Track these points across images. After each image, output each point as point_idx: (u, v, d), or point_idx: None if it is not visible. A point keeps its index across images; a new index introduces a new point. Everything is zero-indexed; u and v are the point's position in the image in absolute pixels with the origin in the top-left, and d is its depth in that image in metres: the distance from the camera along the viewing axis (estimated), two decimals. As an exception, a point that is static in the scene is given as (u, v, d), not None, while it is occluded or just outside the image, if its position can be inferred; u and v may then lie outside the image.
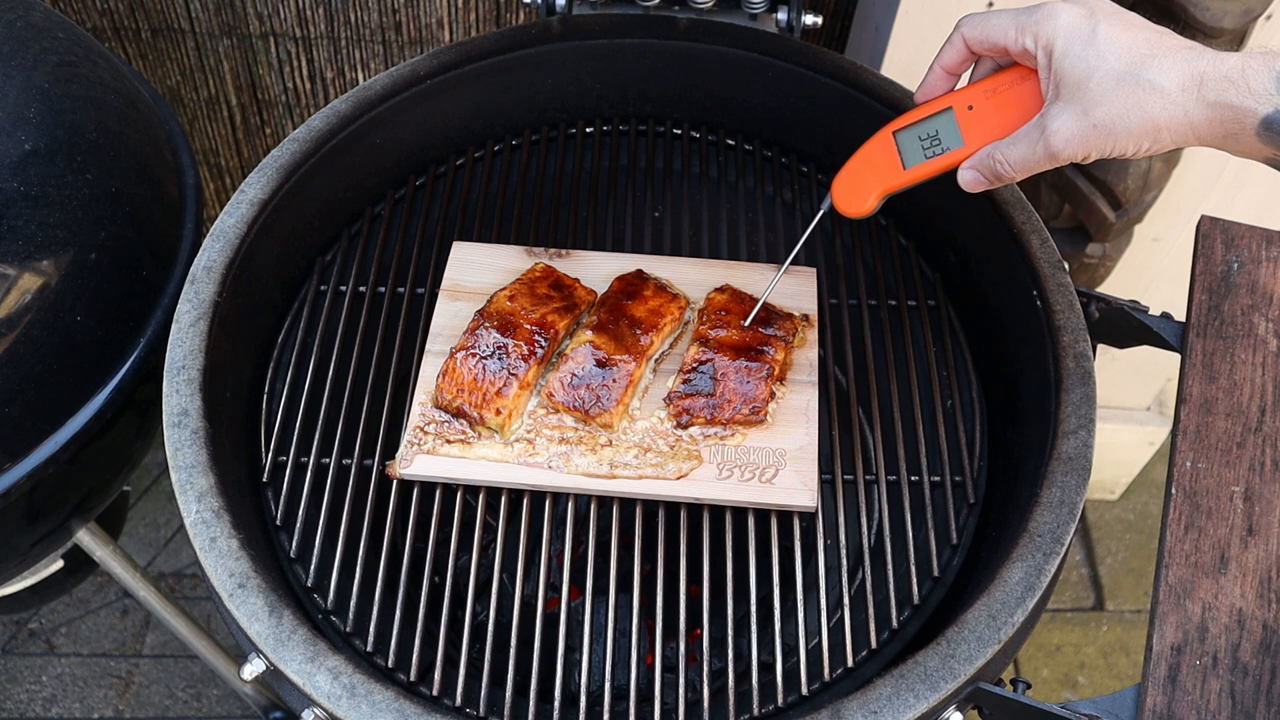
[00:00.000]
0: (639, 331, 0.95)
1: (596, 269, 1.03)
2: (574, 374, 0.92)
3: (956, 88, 0.86)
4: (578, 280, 0.99)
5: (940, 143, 0.86)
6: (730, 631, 0.86)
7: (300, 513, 0.92)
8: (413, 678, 0.84)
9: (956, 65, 0.85)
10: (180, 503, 0.83)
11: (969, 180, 0.84)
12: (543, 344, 0.93)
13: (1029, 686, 0.80)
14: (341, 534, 0.90)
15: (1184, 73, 0.72)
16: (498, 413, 0.91)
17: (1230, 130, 0.71)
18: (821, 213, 0.92)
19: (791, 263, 0.95)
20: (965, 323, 1.07)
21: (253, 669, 0.80)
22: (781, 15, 1.19)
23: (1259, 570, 0.82)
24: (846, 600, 0.89)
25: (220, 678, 1.68)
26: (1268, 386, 0.90)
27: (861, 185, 0.89)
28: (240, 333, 0.97)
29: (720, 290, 0.99)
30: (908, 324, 1.04)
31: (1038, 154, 0.78)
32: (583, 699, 0.83)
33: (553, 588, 1.09)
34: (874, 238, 1.11)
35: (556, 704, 0.85)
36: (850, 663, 0.87)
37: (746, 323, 0.96)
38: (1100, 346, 1.01)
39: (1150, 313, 0.96)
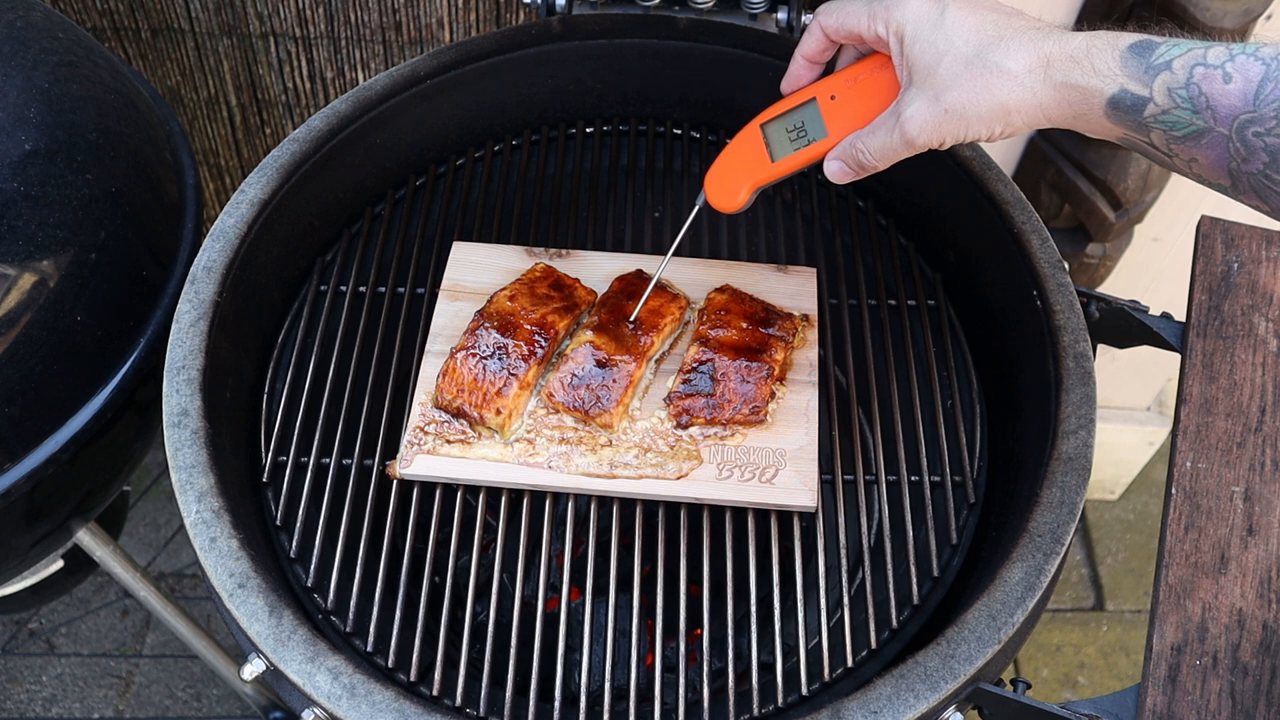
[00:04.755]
0: (639, 332, 0.95)
1: (596, 269, 1.03)
2: (574, 374, 0.92)
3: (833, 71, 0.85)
4: (578, 280, 0.99)
5: (806, 134, 0.84)
6: (730, 631, 0.86)
7: (300, 513, 0.92)
8: (413, 678, 0.84)
9: (818, 54, 0.84)
10: (180, 503, 0.83)
11: (835, 171, 0.83)
12: (543, 344, 0.93)
13: (1029, 686, 0.80)
14: (341, 534, 0.90)
15: (1030, 54, 0.71)
16: (498, 413, 0.91)
17: (1079, 111, 0.71)
18: (696, 209, 0.91)
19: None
20: (965, 323, 1.07)
21: (253, 669, 0.80)
22: (781, 15, 1.19)
23: (1259, 570, 0.82)
24: (846, 600, 0.89)
25: (220, 678, 1.69)
26: (1268, 386, 0.90)
27: (732, 179, 0.87)
28: (240, 333, 0.97)
29: (720, 290, 0.99)
30: (908, 324, 1.04)
31: (895, 141, 0.77)
32: (583, 699, 0.83)
33: (553, 588, 1.09)
34: (874, 238, 1.11)
35: (556, 704, 0.85)
36: (850, 663, 0.87)
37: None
38: (1100, 346, 1.01)
39: (1150, 313, 0.96)
